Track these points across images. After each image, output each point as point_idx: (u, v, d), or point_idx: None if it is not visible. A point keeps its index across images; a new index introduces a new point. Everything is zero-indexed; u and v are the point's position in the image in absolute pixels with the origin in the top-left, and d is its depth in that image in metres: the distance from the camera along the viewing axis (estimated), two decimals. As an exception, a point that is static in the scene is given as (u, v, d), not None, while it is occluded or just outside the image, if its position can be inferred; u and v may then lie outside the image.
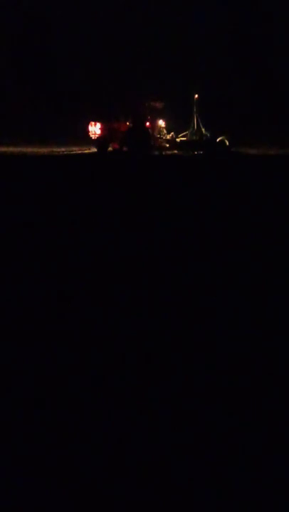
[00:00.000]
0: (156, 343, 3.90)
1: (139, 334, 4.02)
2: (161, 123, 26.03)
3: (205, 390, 3.26)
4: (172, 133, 26.00)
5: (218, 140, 24.64)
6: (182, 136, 25.89)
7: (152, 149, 25.22)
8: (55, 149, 26.63)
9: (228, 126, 25.31)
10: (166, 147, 25.75)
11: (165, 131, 26.07)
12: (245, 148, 25.92)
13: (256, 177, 15.24)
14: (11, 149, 25.65)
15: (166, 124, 26.15)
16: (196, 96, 25.45)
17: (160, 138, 25.89)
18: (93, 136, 25.99)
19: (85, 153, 25.76)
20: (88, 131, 26.18)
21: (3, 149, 25.37)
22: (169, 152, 25.64)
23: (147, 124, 25.73)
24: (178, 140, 25.68)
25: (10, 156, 22.33)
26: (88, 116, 26.25)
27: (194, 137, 25.30)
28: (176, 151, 25.39)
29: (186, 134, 25.57)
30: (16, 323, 4.24)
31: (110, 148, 26.23)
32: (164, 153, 25.41)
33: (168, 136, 26.00)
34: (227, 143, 24.57)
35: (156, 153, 25.01)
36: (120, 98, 28.04)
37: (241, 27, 34.90)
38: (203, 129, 25.06)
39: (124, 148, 25.52)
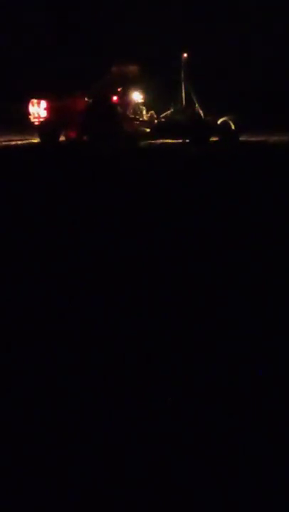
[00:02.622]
0: (156, 343, 5.43)
1: (139, 334, 5.59)
2: (138, 97, 25.83)
3: (205, 389, 4.70)
4: (152, 112, 25.76)
5: (219, 122, 24.93)
6: (164, 116, 25.73)
7: (124, 137, 24.81)
8: None
9: (233, 102, 25.69)
10: (146, 133, 25.66)
11: (144, 110, 25.82)
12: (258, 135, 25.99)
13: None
14: None
15: (147, 98, 25.78)
16: (185, 55, 25.55)
17: (136, 120, 25.75)
18: (35, 121, 25.93)
19: (27, 145, 25.99)
20: (28, 114, 25.92)
21: None
22: (150, 141, 25.41)
23: (114, 99, 25.58)
24: (155, 122, 25.58)
25: None
26: (28, 92, 26.10)
27: (180, 116, 25.36)
28: (163, 140, 25.38)
29: (170, 113, 25.58)
30: (15, 322, 5.91)
31: (63, 138, 26.17)
32: (142, 143, 25.14)
33: (145, 117, 25.82)
34: (233, 126, 24.83)
35: (128, 144, 24.32)
36: (75, 63, 28.94)
37: None
38: (196, 105, 25.13)
39: (85, 138, 25.29)
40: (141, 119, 26.00)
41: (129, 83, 25.97)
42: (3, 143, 26.57)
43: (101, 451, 4.02)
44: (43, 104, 25.88)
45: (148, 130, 25.84)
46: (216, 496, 3.63)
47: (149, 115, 25.94)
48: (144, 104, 26.08)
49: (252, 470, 3.85)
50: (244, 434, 4.19)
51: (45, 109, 25.86)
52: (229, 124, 25.02)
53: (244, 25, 37.79)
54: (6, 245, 9.40)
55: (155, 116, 25.90)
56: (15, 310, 6.38)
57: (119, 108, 25.67)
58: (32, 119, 26.17)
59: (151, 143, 25.75)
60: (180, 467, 3.86)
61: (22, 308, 6.43)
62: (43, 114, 25.89)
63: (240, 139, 25.13)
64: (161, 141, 25.81)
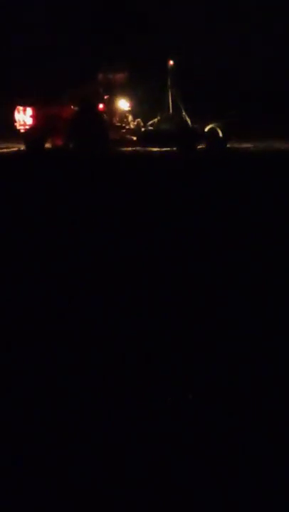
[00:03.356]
0: (156, 343, 5.47)
1: (139, 334, 5.63)
2: (124, 105, 26.11)
3: (205, 389, 4.73)
4: (138, 119, 26.00)
5: (207, 129, 25.20)
6: (151, 124, 26.06)
7: (109, 144, 25.16)
8: None
9: (220, 109, 25.70)
10: (133, 141, 25.94)
11: (130, 118, 26.08)
12: (242, 141, 26.26)
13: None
14: None
15: (135, 106, 26.17)
16: (171, 62, 25.89)
17: (122, 127, 25.98)
18: (21, 128, 25.94)
19: (14, 152, 26.35)
20: (14, 121, 26.00)
21: None
22: (132, 148, 25.72)
23: (101, 106, 25.73)
24: (142, 130, 25.85)
25: None
26: (14, 99, 26.20)
27: (167, 124, 25.66)
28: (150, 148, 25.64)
29: (157, 121, 25.86)
30: (15, 322, 5.96)
31: (49, 145, 26.27)
32: (127, 149, 25.54)
33: (132, 125, 26.02)
34: (220, 134, 25.13)
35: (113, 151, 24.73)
36: (62, 70, 28.91)
37: None
38: (183, 113, 25.43)
39: (71, 145, 25.29)
40: (127, 126, 26.16)
41: (115, 90, 26.12)
42: None
43: (101, 451, 4.01)
44: (29, 111, 25.87)
45: (134, 138, 26.03)
46: (216, 495, 3.62)
47: (135, 123, 26.11)
48: (130, 111, 26.27)
49: (252, 470, 3.84)
50: (244, 434, 4.18)
51: (31, 116, 25.85)
52: (217, 131, 25.26)
53: (242, 27, 38.10)
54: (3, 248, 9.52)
55: (142, 124, 26.09)
56: (14, 310, 6.44)
57: (105, 116, 25.79)
58: (18, 126, 26.19)
59: (136, 150, 26.01)
60: (180, 467, 3.85)
61: (22, 308, 6.47)
62: (29, 121, 25.88)
63: (227, 144, 25.47)
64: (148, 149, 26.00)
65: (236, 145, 26.11)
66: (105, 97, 26.00)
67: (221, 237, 9.70)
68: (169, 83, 25.81)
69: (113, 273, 7.69)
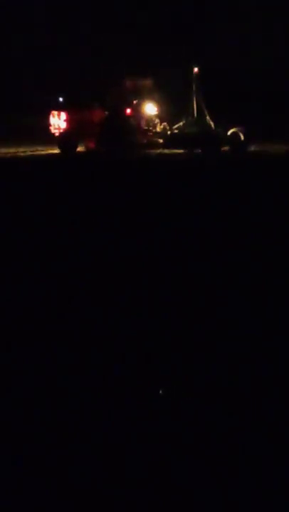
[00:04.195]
0: (156, 343, 5.21)
1: (139, 334, 5.38)
2: (151, 109, 25.97)
3: (205, 389, 4.46)
4: (164, 123, 25.85)
5: (229, 133, 24.94)
6: (177, 128, 25.89)
7: (136, 147, 25.18)
8: (11, 150, 27.23)
9: (242, 114, 25.24)
10: (159, 143, 25.85)
11: (157, 122, 25.97)
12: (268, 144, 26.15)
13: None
14: None
15: (162, 111, 26.03)
16: (196, 70, 25.64)
17: (150, 131, 25.93)
18: (56, 132, 26.19)
19: (51, 154, 26.34)
20: (49, 125, 26.23)
21: None
22: (158, 151, 25.56)
23: (129, 111, 25.81)
24: (168, 133, 25.72)
25: None
26: (50, 104, 26.42)
27: (192, 129, 25.44)
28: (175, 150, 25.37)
29: (182, 125, 25.71)
30: (15, 323, 5.73)
31: (82, 148, 26.43)
32: (154, 151, 25.34)
33: (159, 128, 25.94)
34: (242, 137, 24.95)
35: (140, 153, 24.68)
36: (93, 76, 28.63)
37: None
38: (207, 117, 25.24)
39: (102, 148, 25.25)
40: (154, 130, 26.09)
41: (143, 96, 26.12)
42: (29, 153, 26.93)
43: (101, 451, 3.81)
44: (63, 115, 26.03)
45: (161, 141, 25.93)
46: (216, 496, 3.43)
47: (162, 127, 26.02)
48: (157, 116, 26.17)
49: (252, 470, 3.64)
50: (244, 434, 3.97)
51: (64, 120, 26.01)
52: (239, 134, 25.07)
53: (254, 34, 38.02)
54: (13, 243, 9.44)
55: (168, 127, 25.97)
56: (15, 310, 6.22)
57: (133, 120, 25.81)
58: (52, 130, 26.39)
59: (162, 152, 25.86)
60: (180, 467, 3.65)
61: (22, 308, 6.24)
62: (63, 125, 26.05)
63: (251, 147, 25.21)
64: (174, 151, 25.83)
65: (259, 148, 25.82)
66: (133, 102, 25.97)
67: (220, 238, 9.56)
68: (193, 89, 25.54)
69: (114, 273, 7.47)
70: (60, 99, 26.94)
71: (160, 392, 4.61)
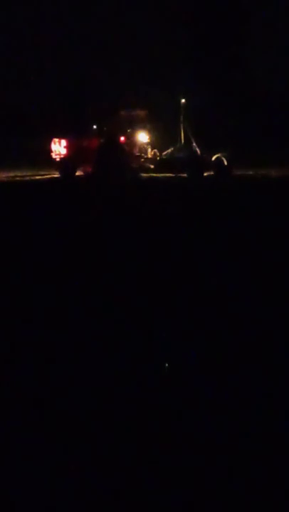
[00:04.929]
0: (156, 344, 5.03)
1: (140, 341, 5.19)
2: (143, 138, 26.48)
3: (204, 389, 4.30)
4: (155, 150, 26.38)
5: (213, 158, 25.32)
6: (166, 154, 26.33)
7: (129, 172, 25.40)
8: (11, 174, 27.31)
9: (224, 141, 26.26)
10: (150, 168, 26.30)
11: (148, 148, 26.46)
12: (247, 169, 26.41)
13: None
14: None
15: (153, 138, 26.55)
16: (183, 101, 26.18)
17: (142, 157, 26.37)
18: (57, 157, 26.36)
19: (49, 179, 26.45)
20: (51, 151, 26.48)
21: None
22: (150, 174, 25.83)
23: (123, 139, 26.19)
24: (158, 159, 26.16)
25: None
26: (51, 132, 26.69)
27: (180, 155, 25.90)
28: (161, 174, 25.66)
29: (171, 152, 26.15)
30: (14, 331, 5.55)
31: (80, 173, 26.56)
32: (145, 175, 25.61)
33: (150, 154, 26.39)
34: (225, 162, 25.28)
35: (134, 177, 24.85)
36: (92, 107, 28.37)
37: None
38: (193, 144, 25.70)
39: (98, 173, 25.31)
40: (146, 156, 26.72)
41: (136, 125, 26.73)
42: (29, 177, 27.23)
43: (100, 452, 3.64)
44: (63, 142, 26.43)
45: (152, 166, 26.61)
46: (216, 496, 3.24)
47: (152, 153, 26.69)
48: (148, 143, 26.82)
49: (252, 470, 3.45)
50: (244, 434, 3.80)
51: (64, 147, 26.39)
52: (222, 160, 25.53)
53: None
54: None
55: (158, 154, 26.66)
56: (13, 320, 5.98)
57: (126, 147, 26.33)
58: (53, 156, 26.76)
59: (152, 176, 26.33)
60: (180, 467, 3.47)
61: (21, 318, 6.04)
62: (63, 151, 26.44)
63: (232, 172, 25.64)
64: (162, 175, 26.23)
65: (240, 172, 26.21)
66: (127, 131, 26.51)
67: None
68: (181, 119, 26.10)
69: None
70: (61, 127, 27.25)
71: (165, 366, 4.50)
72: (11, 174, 27.83)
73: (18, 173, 28.34)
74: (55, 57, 40.41)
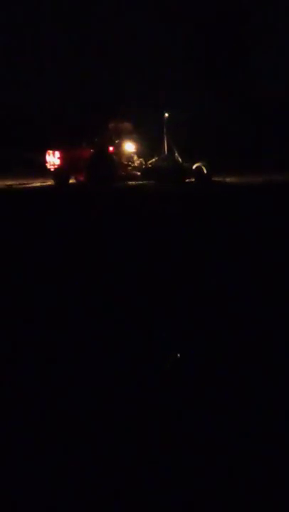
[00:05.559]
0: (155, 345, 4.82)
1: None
2: (130, 148, 27.07)
3: (205, 389, 4.17)
4: (141, 159, 26.98)
5: (194, 167, 26.03)
6: (151, 163, 26.90)
7: (118, 180, 25.89)
8: (9, 182, 27.47)
9: (204, 151, 26.84)
10: (137, 176, 26.87)
11: (135, 157, 27.02)
12: (225, 176, 26.99)
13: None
14: None
15: (139, 149, 27.18)
16: (166, 115, 26.86)
17: (129, 166, 26.93)
18: (51, 168, 26.81)
19: (45, 186, 26.68)
20: (46, 162, 26.97)
21: None
22: (136, 182, 26.29)
23: (111, 149, 26.69)
24: (143, 167, 26.73)
25: None
26: (45, 144, 27.21)
27: (164, 164, 26.54)
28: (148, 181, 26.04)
29: (155, 161, 26.71)
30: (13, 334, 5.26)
31: (73, 181, 26.95)
32: (132, 182, 26.03)
33: (136, 163, 26.95)
34: (205, 171, 25.98)
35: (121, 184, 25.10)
36: (82, 120, 29.15)
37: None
38: (176, 154, 26.39)
39: (89, 181, 26.02)
40: (133, 165, 27.52)
41: (123, 137, 27.50)
42: (27, 185, 27.78)
43: (100, 452, 3.51)
44: (57, 154, 27.11)
45: (138, 173, 27.43)
46: (216, 496, 3.10)
47: (138, 162, 27.52)
48: (135, 153, 27.65)
49: (252, 470, 3.31)
50: (244, 434, 3.66)
51: (58, 158, 27.08)
52: (202, 168, 26.46)
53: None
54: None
55: (144, 162, 27.49)
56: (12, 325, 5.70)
57: (115, 157, 27.13)
58: (48, 166, 27.43)
59: (139, 183, 27.10)
60: (180, 467, 3.34)
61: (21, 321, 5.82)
62: (57, 161, 27.14)
63: (212, 179, 26.46)
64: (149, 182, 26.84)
65: (218, 179, 27.00)
66: (116, 142, 27.18)
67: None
68: (164, 131, 26.95)
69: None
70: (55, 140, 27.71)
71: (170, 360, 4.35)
72: (8, 182, 28.28)
73: (15, 182, 28.74)
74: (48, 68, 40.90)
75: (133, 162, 27.50)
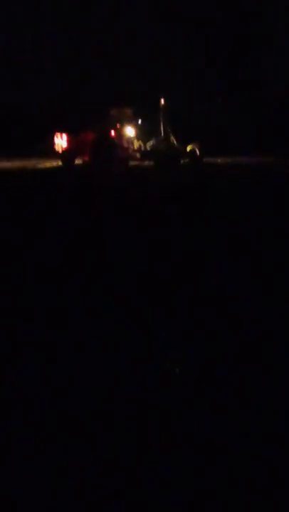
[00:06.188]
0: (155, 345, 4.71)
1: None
2: (130, 132, 27.48)
3: (204, 389, 4.10)
4: (140, 142, 27.44)
5: (188, 149, 26.62)
6: (149, 146, 27.41)
7: (118, 162, 26.30)
8: (25, 164, 27.94)
9: (197, 135, 27.30)
10: (136, 157, 27.40)
11: (134, 141, 27.46)
12: (217, 157, 27.37)
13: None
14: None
15: (137, 132, 27.51)
16: (162, 101, 27.25)
17: (129, 148, 27.43)
18: (59, 149, 27.31)
19: (54, 167, 27.03)
20: (54, 144, 27.52)
21: None
22: (136, 162, 26.85)
23: (113, 133, 27.04)
24: (142, 149, 27.05)
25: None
26: (54, 128, 27.83)
27: (160, 146, 27.04)
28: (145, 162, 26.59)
29: (152, 143, 27.17)
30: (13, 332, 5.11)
31: (79, 161, 27.23)
32: (132, 163, 26.47)
33: (136, 146, 27.41)
34: (198, 152, 26.56)
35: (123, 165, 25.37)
36: (88, 106, 29.48)
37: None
38: (171, 137, 26.90)
39: (94, 161, 26.33)
40: (132, 147, 28.09)
41: (124, 121, 28.06)
42: (39, 165, 28.30)
43: (100, 452, 3.49)
44: (64, 137, 27.89)
45: (138, 155, 28.08)
46: (216, 496, 3.07)
47: (138, 145, 28.08)
48: (134, 136, 28.19)
49: (252, 470, 3.28)
50: (244, 434, 3.62)
51: (65, 140, 27.86)
52: (195, 150, 27.21)
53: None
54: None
55: (142, 145, 28.08)
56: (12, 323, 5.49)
57: (116, 140, 27.70)
58: (56, 148, 28.12)
59: (138, 164, 27.62)
60: (180, 467, 3.30)
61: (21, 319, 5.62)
62: (64, 144, 27.93)
63: (203, 160, 27.11)
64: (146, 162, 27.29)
65: (210, 159, 27.48)
66: (117, 126, 27.70)
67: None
68: (161, 116, 27.50)
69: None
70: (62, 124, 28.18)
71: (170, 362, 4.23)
72: (21, 164, 28.55)
73: (28, 163, 29.01)
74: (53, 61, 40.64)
75: (133, 145, 27.91)
